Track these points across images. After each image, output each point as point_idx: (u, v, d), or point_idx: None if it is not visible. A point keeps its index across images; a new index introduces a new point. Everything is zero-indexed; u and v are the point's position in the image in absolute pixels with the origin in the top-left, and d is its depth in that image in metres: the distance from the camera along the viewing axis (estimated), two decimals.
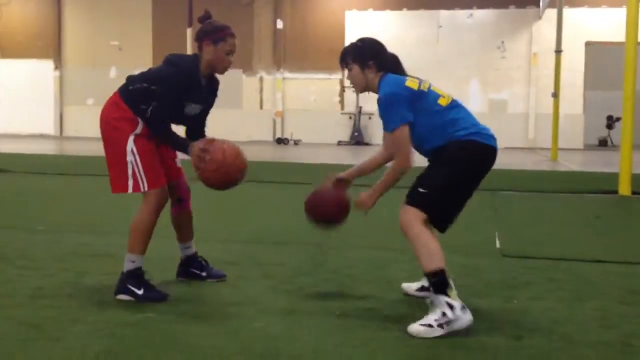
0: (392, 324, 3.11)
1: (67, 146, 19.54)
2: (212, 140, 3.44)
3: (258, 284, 3.85)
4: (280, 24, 25.15)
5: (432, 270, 3.00)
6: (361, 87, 3.40)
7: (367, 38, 3.46)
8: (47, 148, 17.12)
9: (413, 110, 3.16)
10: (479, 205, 7.36)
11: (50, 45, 26.37)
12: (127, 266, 3.48)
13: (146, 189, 3.47)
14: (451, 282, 3.02)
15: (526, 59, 22.69)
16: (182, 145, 3.47)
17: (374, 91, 3.36)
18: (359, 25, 23.89)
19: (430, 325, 2.93)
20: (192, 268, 3.91)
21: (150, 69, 3.66)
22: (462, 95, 23.01)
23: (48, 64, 26.14)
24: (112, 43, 26.37)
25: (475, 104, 22.82)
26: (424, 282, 3.48)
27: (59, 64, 26.44)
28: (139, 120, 3.49)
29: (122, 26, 26.22)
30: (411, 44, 22.99)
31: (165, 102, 3.45)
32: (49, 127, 25.28)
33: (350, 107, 23.98)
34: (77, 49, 26.77)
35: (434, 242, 3.06)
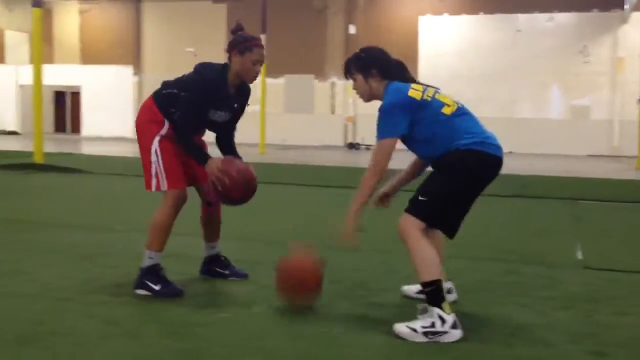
0: (469, 334, 3.03)
1: None
2: (231, 161, 3.55)
3: (326, 288, 3.83)
4: (352, 30, 25.17)
5: (428, 281, 2.98)
6: (367, 96, 3.37)
7: (369, 47, 3.45)
8: (126, 150, 17.65)
9: (415, 120, 3.14)
10: (558, 215, 7.14)
11: (129, 52, 27.26)
12: (146, 262, 3.60)
13: (166, 188, 3.59)
14: (445, 295, 3.00)
15: (609, 64, 21.92)
16: (200, 157, 3.55)
17: (379, 99, 3.30)
18: (433, 31, 23.68)
19: (415, 330, 2.93)
20: (215, 267, 4.01)
21: (183, 75, 3.76)
22: (542, 101, 22.47)
23: (128, 70, 27.02)
24: (188, 49, 27.00)
25: (556, 110, 22.23)
26: None
27: (137, 70, 27.28)
28: (166, 122, 3.64)
29: (198, 33, 26.83)
30: (488, 48, 22.61)
31: (187, 109, 3.56)
32: (127, 130, 26.07)
33: None
34: (155, 56, 27.57)
35: (431, 252, 3.02)
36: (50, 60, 26.60)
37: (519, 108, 22.77)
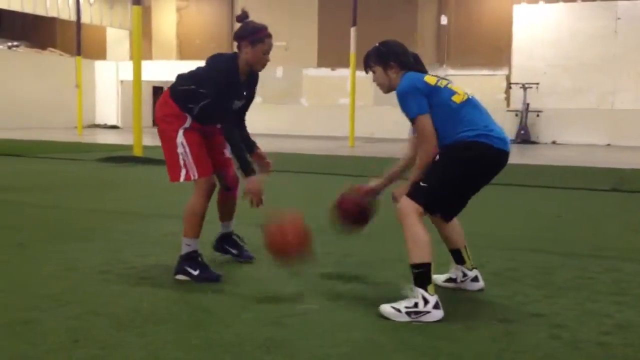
0: (563, 332, 2.95)
1: None
2: (256, 192, 3.61)
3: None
4: (444, 20, 24.79)
5: (418, 263, 3.09)
6: (386, 87, 3.50)
7: (388, 40, 3.58)
8: None
9: (429, 105, 3.25)
10: None
11: (223, 46, 27.87)
12: (184, 249, 3.78)
13: (196, 177, 3.77)
14: (433, 277, 3.14)
15: None
16: (246, 165, 3.67)
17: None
18: (528, 20, 22.99)
19: (399, 310, 3.07)
20: (226, 245, 4.23)
21: (198, 68, 3.88)
22: None
23: None
24: (279, 43, 27.34)
25: None
26: (452, 274, 3.66)
27: None
28: (187, 115, 3.79)
29: (289, 27, 27.12)
30: (586, 37, 21.75)
31: (220, 102, 3.70)
32: None
33: (517, 104, 23.11)
34: None
35: (425, 236, 3.12)
36: (149, 56, 27.61)
37: (618, 99, 21.78)
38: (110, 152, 13.24)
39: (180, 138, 3.78)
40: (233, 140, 3.70)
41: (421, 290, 3.07)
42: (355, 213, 3.81)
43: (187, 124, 3.81)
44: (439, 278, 3.68)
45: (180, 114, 3.81)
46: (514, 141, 22.56)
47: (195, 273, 3.72)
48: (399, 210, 3.19)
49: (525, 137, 22.22)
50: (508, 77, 23.69)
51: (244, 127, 4.06)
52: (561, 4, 22.57)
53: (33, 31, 31.45)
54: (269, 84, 26.58)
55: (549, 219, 6.37)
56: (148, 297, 3.38)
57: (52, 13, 27.49)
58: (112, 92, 29.20)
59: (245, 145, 3.85)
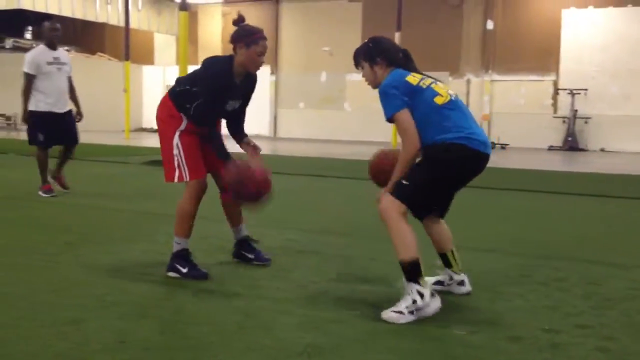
0: (611, 344, 2.88)
1: (280, 146, 20.65)
2: (248, 169, 3.69)
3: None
4: (490, 25, 24.52)
5: (407, 260, 3.16)
6: (373, 84, 3.55)
7: (376, 37, 3.61)
8: (265, 147, 18.22)
9: (411, 105, 3.29)
10: None
11: (268, 51, 28.00)
12: (174, 247, 3.93)
13: (188, 179, 3.89)
14: (422, 270, 3.18)
15: None
16: (223, 154, 3.83)
17: None
18: (576, 24, 22.60)
19: (401, 312, 3.12)
20: (242, 250, 4.31)
21: (194, 71, 4.00)
22: None
23: (266, 69, 27.86)
24: (324, 49, 27.43)
25: None
26: (440, 277, 3.72)
27: (275, 69, 28.07)
28: (184, 117, 3.92)
29: (334, 32, 27.19)
30: (636, 42, 21.24)
31: (206, 101, 3.82)
32: (264, 128, 26.93)
33: (564, 110, 22.71)
34: (292, 55, 28.26)
35: (410, 232, 3.19)
36: (194, 61, 27.96)
37: None
38: (155, 155, 13.43)
39: (176, 140, 3.92)
40: (214, 137, 3.88)
41: (415, 286, 3.15)
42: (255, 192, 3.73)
43: (183, 126, 3.94)
44: (428, 281, 3.66)
45: (177, 114, 3.94)
46: (560, 148, 22.18)
47: (184, 270, 3.87)
48: (381, 209, 3.24)
49: (572, 145, 21.80)
50: (555, 83, 23.29)
51: (242, 125, 4.22)
52: (611, 8, 22.09)
53: (83, 36, 32.21)
54: (312, 89, 26.68)
55: (597, 228, 6.23)
56: (190, 300, 3.41)
57: (101, 19, 28.10)
58: (159, 96, 29.59)
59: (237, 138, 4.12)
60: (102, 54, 30.23)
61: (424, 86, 3.33)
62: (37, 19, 32.48)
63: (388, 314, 3.15)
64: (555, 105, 23.44)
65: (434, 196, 3.41)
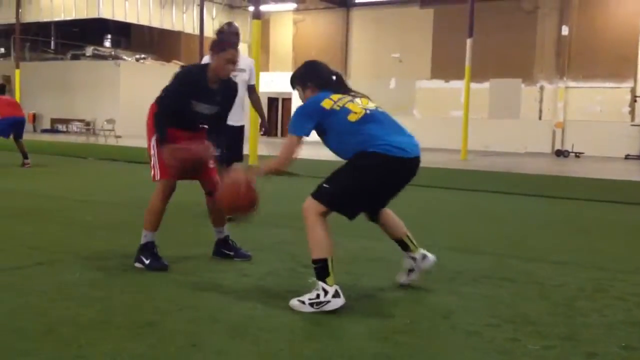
0: None
1: None
2: (179, 149, 4.07)
3: (534, 303, 3.68)
4: (565, 30, 23.92)
5: (318, 258, 3.38)
6: None
7: (308, 61, 3.90)
8: (327, 155, 18.27)
9: (325, 126, 3.56)
10: None
11: (338, 58, 28.25)
12: (142, 240, 4.23)
13: (158, 178, 4.23)
14: (331, 271, 3.36)
15: None
16: (161, 138, 4.11)
17: None
18: None
19: (302, 302, 3.38)
20: (223, 249, 4.57)
21: None
22: None
23: None
24: (393, 55, 27.36)
25: None
26: (407, 266, 3.90)
27: (344, 76, 28.12)
28: None
29: (404, 39, 27.10)
30: None
31: (166, 95, 4.16)
32: None
33: None
34: (361, 61, 28.31)
35: (325, 233, 3.40)
36: (266, 68, 28.43)
37: None
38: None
39: (152, 142, 4.23)
40: (156, 118, 4.17)
41: (321, 283, 3.36)
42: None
43: None
44: (401, 277, 3.95)
45: None
46: (638, 157, 21.39)
47: (147, 262, 4.16)
48: (303, 210, 3.47)
49: None
50: (633, 90, 22.51)
51: (225, 132, 4.55)
52: None
53: (159, 44, 33.16)
54: (381, 96, 26.60)
55: None
56: (261, 306, 3.45)
57: (177, 27, 28.89)
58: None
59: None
60: (177, 62, 31.03)
61: (338, 108, 3.55)
62: (116, 27, 33.76)
63: (293, 302, 3.41)
64: (632, 112, 22.66)
65: (356, 199, 3.54)
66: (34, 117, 30.98)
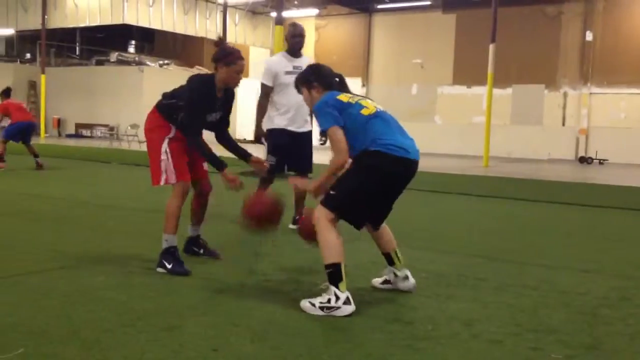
0: None
1: None
2: (234, 179, 4.30)
3: (556, 311, 3.65)
4: (589, 36, 23.71)
5: (329, 263, 3.43)
6: (311, 105, 3.93)
7: (313, 64, 4.15)
8: None
9: (342, 117, 3.61)
10: None
11: (360, 63, 28.28)
12: (163, 245, 4.29)
13: (174, 181, 4.33)
14: (344, 276, 3.41)
15: None
16: (218, 164, 4.26)
17: None
18: None
19: (313, 305, 3.42)
20: (194, 246, 4.74)
21: (181, 86, 4.44)
22: None
23: (356, 82, 28.01)
24: (415, 61, 27.30)
25: None
26: (386, 276, 3.98)
27: (366, 82, 28.17)
28: (172, 126, 4.37)
29: (426, 44, 27.02)
30: None
31: (190, 115, 4.27)
32: None
33: None
34: (383, 67, 28.28)
35: (336, 239, 3.46)
36: None
37: None
38: (247, 167, 13.69)
39: (164, 147, 4.34)
40: (198, 146, 4.30)
41: (333, 288, 3.40)
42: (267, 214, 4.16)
43: (172, 134, 4.38)
44: (376, 281, 4.05)
45: (165, 124, 4.39)
46: None
47: (169, 266, 4.20)
48: (314, 218, 3.55)
49: None
50: None
51: (229, 138, 4.67)
52: None
53: (182, 50, 33.42)
54: (403, 102, 26.56)
55: None
56: (281, 311, 3.46)
57: (200, 33, 29.09)
58: (253, 108, 30.26)
59: (238, 153, 4.62)
60: (200, 67, 31.24)
61: (353, 102, 3.69)
62: (140, 33, 34.10)
63: (304, 303, 3.45)
64: None
65: (360, 203, 3.58)
66: (59, 122, 31.38)
